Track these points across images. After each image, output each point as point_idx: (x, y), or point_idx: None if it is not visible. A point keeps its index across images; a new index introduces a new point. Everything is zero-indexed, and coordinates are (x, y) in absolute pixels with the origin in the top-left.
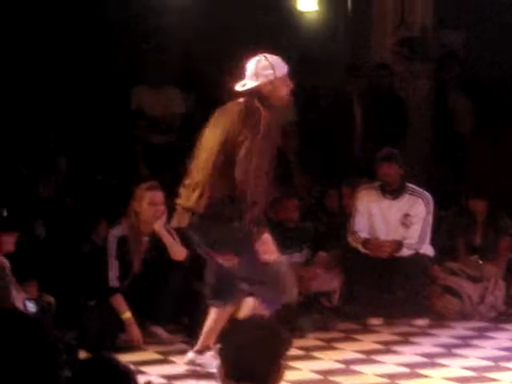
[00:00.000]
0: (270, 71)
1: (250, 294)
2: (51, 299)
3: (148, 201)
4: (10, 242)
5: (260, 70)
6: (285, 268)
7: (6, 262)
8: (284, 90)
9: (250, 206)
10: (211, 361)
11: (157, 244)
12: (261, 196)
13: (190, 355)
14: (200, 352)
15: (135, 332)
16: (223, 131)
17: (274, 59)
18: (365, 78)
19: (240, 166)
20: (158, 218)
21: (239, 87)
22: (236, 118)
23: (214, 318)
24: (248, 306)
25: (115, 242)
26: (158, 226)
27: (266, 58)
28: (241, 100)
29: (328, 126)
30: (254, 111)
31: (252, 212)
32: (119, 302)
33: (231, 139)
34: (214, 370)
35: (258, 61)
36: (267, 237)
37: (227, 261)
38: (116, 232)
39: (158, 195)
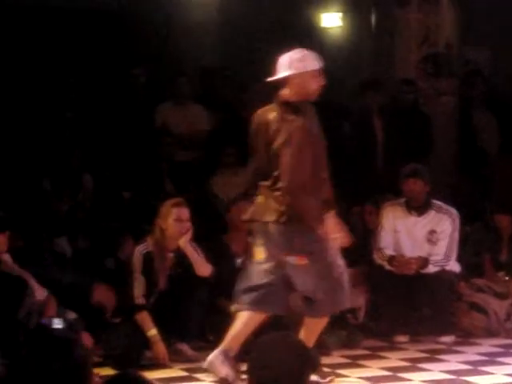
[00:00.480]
0: (302, 64)
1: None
2: (74, 315)
3: (174, 217)
4: (1, 241)
5: (292, 62)
6: (344, 275)
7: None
8: (314, 85)
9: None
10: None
11: (182, 260)
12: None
13: (211, 355)
14: (223, 352)
15: (161, 349)
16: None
17: (307, 53)
18: (385, 92)
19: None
20: (183, 234)
21: (271, 78)
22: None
23: (245, 322)
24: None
25: (141, 259)
26: (184, 243)
27: (299, 51)
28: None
29: (350, 142)
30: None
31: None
32: (145, 319)
33: None
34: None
35: (293, 53)
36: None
37: (299, 261)
38: (142, 248)
39: (184, 211)
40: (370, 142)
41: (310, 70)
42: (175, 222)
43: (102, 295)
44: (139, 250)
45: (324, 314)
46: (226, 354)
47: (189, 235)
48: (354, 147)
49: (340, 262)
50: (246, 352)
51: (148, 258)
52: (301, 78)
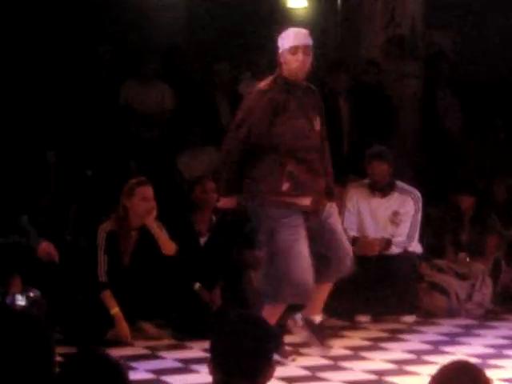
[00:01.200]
0: (280, 43)
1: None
2: (38, 293)
3: (138, 196)
4: None
5: (277, 42)
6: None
7: None
8: (293, 64)
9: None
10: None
11: (146, 238)
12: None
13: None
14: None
15: (124, 327)
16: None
17: (287, 31)
18: (351, 74)
19: None
20: (148, 212)
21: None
22: None
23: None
24: None
25: (105, 237)
26: (150, 221)
27: (285, 31)
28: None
29: None
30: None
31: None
32: (108, 297)
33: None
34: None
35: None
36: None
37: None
38: (106, 227)
39: (148, 190)
40: (335, 124)
41: (287, 47)
42: (140, 201)
43: (45, 250)
44: (103, 229)
45: (269, 302)
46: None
47: (154, 214)
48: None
49: (303, 254)
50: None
51: (112, 237)
52: (282, 57)
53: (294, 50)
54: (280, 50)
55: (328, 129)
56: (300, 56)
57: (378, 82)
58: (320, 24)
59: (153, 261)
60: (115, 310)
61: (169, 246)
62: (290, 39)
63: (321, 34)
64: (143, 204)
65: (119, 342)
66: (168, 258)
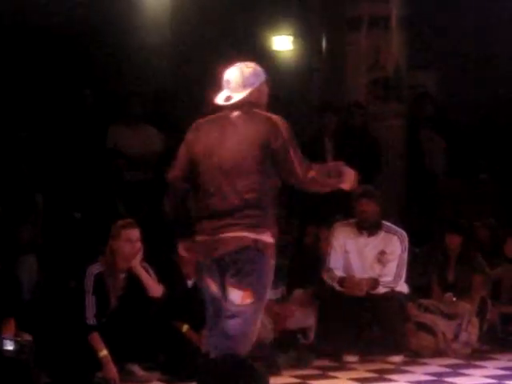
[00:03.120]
0: (255, 78)
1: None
2: (29, 337)
3: (124, 238)
4: None
5: (246, 79)
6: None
7: None
8: (263, 97)
9: None
10: None
11: (133, 281)
12: None
13: None
14: None
15: (112, 370)
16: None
17: (254, 65)
18: (337, 115)
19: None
20: (134, 254)
21: (223, 101)
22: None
23: None
24: None
25: (92, 279)
26: (135, 264)
27: (246, 65)
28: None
29: None
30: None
31: None
32: (96, 339)
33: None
34: None
35: (241, 70)
36: None
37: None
38: (94, 269)
39: (134, 232)
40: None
41: (262, 81)
42: (125, 243)
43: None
44: (91, 271)
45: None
46: None
47: (139, 256)
48: None
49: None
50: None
51: (100, 279)
52: (259, 92)
53: (266, 83)
54: (255, 86)
55: None
56: (268, 89)
57: (362, 124)
58: (305, 66)
59: (140, 303)
60: (103, 353)
61: (155, 289)
62: (263, 73)
63: (305, 76)
64: (128, 246)
65: None
66: (155, 300)
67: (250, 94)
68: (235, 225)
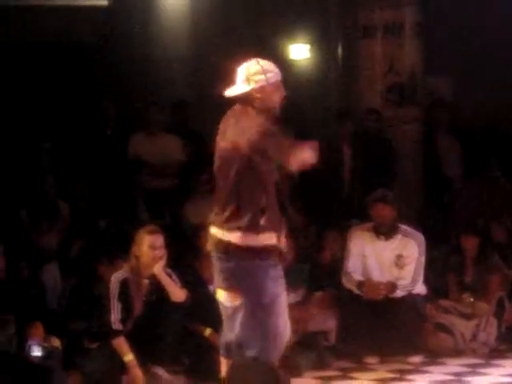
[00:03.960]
0: (262, 76)
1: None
2: (57, 342)
3: (148, 244)
4: None
5: (251, 76)
6: (283, 326)
7: None
8: (276, 97)
9: None
10: None
11: (157, 286)
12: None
13: None
14: None
15: (137, 374)
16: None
17: (267, 64)
18: (354, 121)
19: None
20: (157, 261)
21: (229, 92)
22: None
23: None
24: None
25: (117, 285)
26: (158, 270)
27: (258, 62)
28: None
29: (319, 168)
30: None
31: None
32: (122, 344)
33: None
34: None
35: (250, 65)
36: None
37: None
38: (118, 275)
39: (158, 238)
40: (338, 169)
41: (270, 82)
42: (149, 249)
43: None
44: (116, 277)
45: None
46: None
47: (163, 262)
48: (323, 173)
49: (285, 308)
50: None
51: (124, 285)
52: (263, 91)
53: (279, 84)
54: (259, 84)
55: (330, 174)
56: (282, 91)
57: (378, 129)
58: (321, 74)
59: (164, 308)
60: (129, 358)
61: (178, 294)
62: (275, 73)
63: (322, 83)
64: (151, 252)
65: None
66: (178, 304)
67: (253, 91)
68: (213, 222)
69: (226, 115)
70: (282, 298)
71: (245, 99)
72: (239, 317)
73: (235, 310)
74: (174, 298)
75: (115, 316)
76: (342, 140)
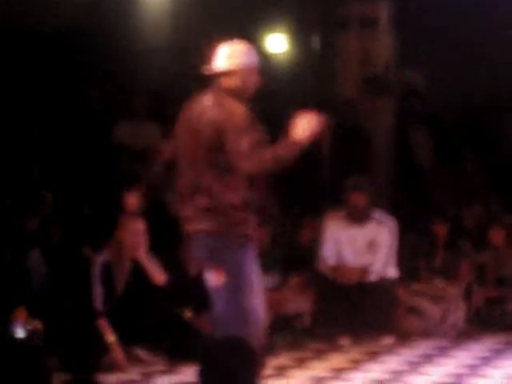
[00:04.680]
0: (242, 56)
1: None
2: (40, 325)
3: (130, 230)
4: None
5: (231, 54)
6: (260, 309)
7: None
8: (251, 82)
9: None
10: None
11: (138, 269)
12: None
13: None
14: None
15: (119, 354)
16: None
17: (245, 47)
18: (332, 112)
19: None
20: (139, 245)
21: (208, 69)
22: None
23: None
24: None
25: (100, 268)
26: (140, 254)
27: (237, 44)
28: (209, 97)
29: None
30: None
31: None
32: (104, 325)
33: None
34: None
35: (231, 45)
36: None
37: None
38: (101, 258)
39: (140, 225)
40: (316, 157)
41: (246, 65)
42: (131, 234)
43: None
44: (99, 260)
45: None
46: None
47: (143, 248)
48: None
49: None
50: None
51: (107, 267)
52: (238, 73)
53: (254, 69)
54: (235, 65)
55: (308, 162)
56: (259, 78)
57: (354, 120)
58: (298, 65)
59: (145, 290)
60: (111, 339)
61: (158, 277)
62: (252, 57)
63: (298, 74)
64: (134, 237)
65: (114, 368)
66: (159, 287)
67: (231, 68)
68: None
69: (193, 101)
70: (258, 281)
71: (222, 80)
72: (221, 296)
73: (218, 289)
74: (155, 281)
75: (97, 298)
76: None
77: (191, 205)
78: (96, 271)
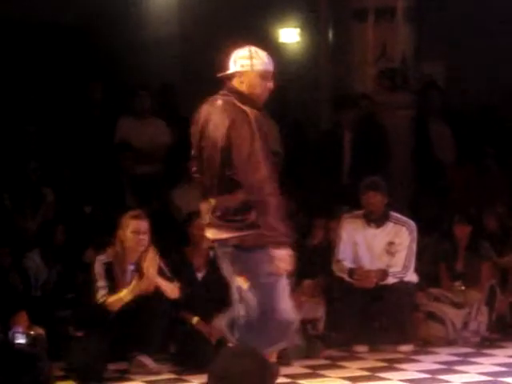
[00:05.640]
0: (248, 61)
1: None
2: (42, 330)
3: (132, 229)
4: None
5: (238, 58)
6: (289, 316)
7: None
8: (259, 87)
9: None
10: None
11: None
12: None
13: None
14: None
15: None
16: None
17: (257, 52)
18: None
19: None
20: (141, 246)
21: (219, 73)
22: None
23: None
24: None
25: (102, 267)
26: (152, 274)
27: (249, 49)
28: (220, 100)
29: (315, 154)
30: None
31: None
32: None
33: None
34: None
35: (240, 50)
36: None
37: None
38: (102, 258)
39: (143, 224)
40: (337, 156)
41: (255, 70)
42: (133, 234)
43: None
44: (100, 260)
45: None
46: None
47: (155, 262)
48: (321, 159)
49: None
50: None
51: (109, 268)
52: (245, 77)
53: (265, 74)
54: (244, 69)
55: (329, 161)
56: (269, 83)
57: (370, 115)
58: (312, 58)
59: (150, 295)
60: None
61: (172, 291)
62: (263, 63)
63: (312, 68)
64: (136, 237)
65: (119, 377)
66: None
67: (237, 73)
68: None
69: (205, 105)
70: (283, 281)
71: (230, 83)
72: (247, 299)
73: (244, 292)
74: (169, 295)
75: (101, 293)
76: (345, 127)
77: (211, 211)
78: (98, 269)
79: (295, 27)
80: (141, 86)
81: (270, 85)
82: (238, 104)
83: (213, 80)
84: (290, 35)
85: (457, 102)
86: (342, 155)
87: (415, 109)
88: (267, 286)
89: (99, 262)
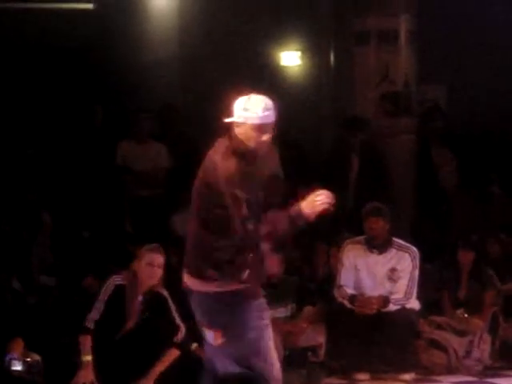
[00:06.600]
0: (242, 113)
1: None
2: (37, 357)
3: (146, 261)
4: None
5: (235, 108)
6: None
7: None
8: (253, 140)
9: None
10: None
11: (151, 304)
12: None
13: None
14: None
15: (90, 374)
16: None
17: (255, 103)
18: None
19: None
20: (153, 279)
21: (223, 119)
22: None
23: None
24: None
25: (111, 289)
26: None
27: (248, 98)
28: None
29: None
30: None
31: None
32: (86, 342)
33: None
34: None
35: (241, 99)
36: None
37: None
38: (117, 279)
39: (158, 258)
40: (345, 180)
41: (249, 123)
42: (147, 266)
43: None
44: (114, 280)
45: None
46: None
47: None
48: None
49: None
50: None
51: (119, 291)
52: (241, 128)
53: (261, 128)
54: (239, 120)
55: (338, 184)
56: (266, 136)
57: (368, 140)
58: (314, 81)
59: (156, 325)
60: (87, 358)
61: (181, 330)
62: (259, 116)
63: (314, 91)
64: (149, 270)
65: None
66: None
67: (233, 123)
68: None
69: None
70: (269, 332)
71: (231, 130)
72: (225, 355)
73: (219, 348)
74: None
75: (93, 315)
76: (352, 150)
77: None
78: (107, 290)
79: (297, 50)
80: (142, 110)
81: (267, 137)
82: (226, 154)
83: (213, 100)
84: (291, 58)
85: (459, 126)
86: (349, 179)
87: (417, 133)
88: (253, 342)
89: (111, 283)
